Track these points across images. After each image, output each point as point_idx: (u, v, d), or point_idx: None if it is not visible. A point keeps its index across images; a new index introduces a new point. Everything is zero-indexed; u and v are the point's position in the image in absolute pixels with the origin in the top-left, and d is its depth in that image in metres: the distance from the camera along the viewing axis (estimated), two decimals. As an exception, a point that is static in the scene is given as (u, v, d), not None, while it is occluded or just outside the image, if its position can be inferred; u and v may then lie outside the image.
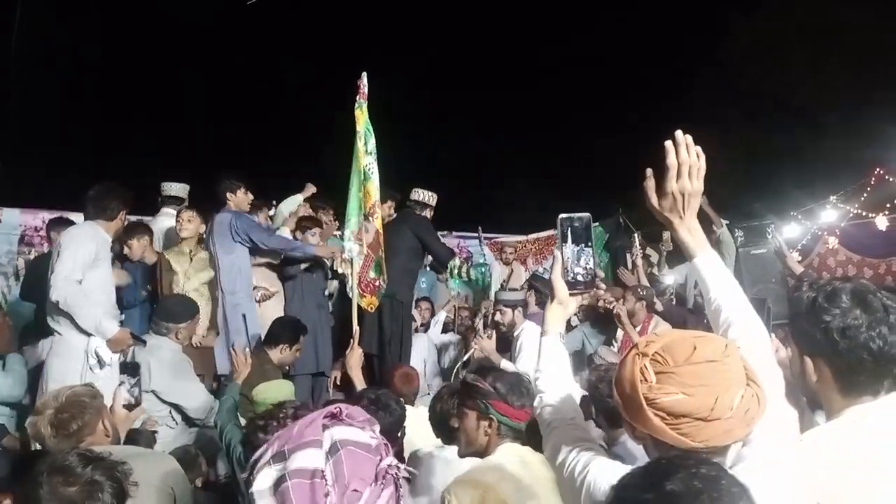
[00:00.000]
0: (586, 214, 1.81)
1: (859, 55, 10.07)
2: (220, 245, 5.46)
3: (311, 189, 6.64)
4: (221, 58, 10.86)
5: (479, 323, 6.00)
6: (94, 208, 4.56)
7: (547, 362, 1.83)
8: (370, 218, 5.02)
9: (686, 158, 1.69)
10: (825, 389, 1.72)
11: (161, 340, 4.41)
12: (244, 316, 5.44)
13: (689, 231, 1.73)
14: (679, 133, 1.70)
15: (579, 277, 1.81)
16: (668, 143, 1.70)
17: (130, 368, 3.17)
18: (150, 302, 5.24)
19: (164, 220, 6.04)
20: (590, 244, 1.83)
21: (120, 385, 3.15)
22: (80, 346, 4.28)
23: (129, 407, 3.11)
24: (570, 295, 1.85)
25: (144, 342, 4.42)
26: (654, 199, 1.74)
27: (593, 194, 10.27)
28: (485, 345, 4.95)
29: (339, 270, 5.61)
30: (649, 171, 1.75)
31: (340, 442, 1.22)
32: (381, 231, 5.10)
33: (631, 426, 1.46)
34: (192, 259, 5.30)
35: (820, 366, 1.71)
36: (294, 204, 6.49)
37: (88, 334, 4.29)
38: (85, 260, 4.30)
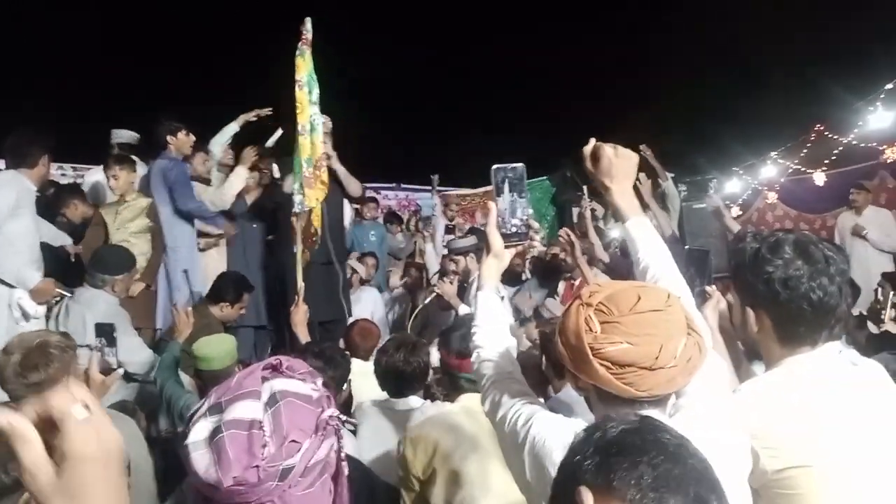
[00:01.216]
0: (520, 165, 1.79)
1: (801, 10, 10.19)
2: (157, 195, 5.29)
3: (245, 118, 6.14)
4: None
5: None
6: (13, 157, 4.36)
7: (483, 316, 1.81)
8: (318, 171, 4.85)
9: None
10: (765, 340, 1.75)
11: (96, 293, 4.25)
12: (185, 272, 5.30)
13: (623, 195, 1.80)
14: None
15: (514, 229, 1.80)
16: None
17: (106, 331, 3.01)
18: None
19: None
20: (524, 195, 1.81)
21: (95, 349, 3.00)
22: (2, 298, 4.12)
23: (105, 372, 2.98)
24: (506, 247, 1.83)
25: (72, 292, 4.27)
26: (589, 164, 1.83)
27: (540, 148, 10.28)
28: (446, 289, 4.98)
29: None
30: (592, 140, 1.84)
31: (280, 393, 1.18)
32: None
33: (574, 376, 1.45)
34: (118, 211, 5.11)
35: (761, 316, 1.73)
36: (225, 136, 6.13)
37: (11, 286, 4.12)
38: (2, 209, 4.10)
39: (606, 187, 1.80)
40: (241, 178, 5.65)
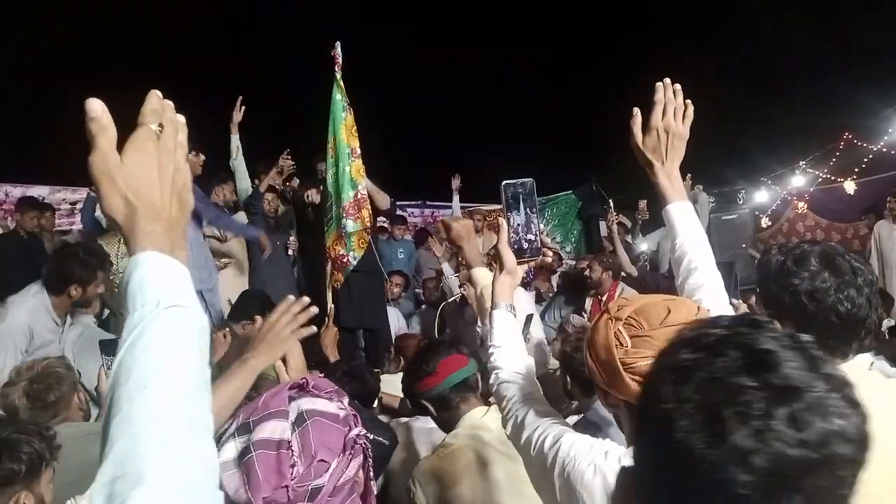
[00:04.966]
0: (529, 180, 1.78)
1: (827, 19, 10.09)
2: None
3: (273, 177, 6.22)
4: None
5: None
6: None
7: (499, 336, 1.76)
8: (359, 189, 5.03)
9: (672, 99, 1.71)
10: (795, 354, 1.72)
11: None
12: (200, 293, 5.28)
13: (670, 178, 1.73)
14: (667, 79, 1.73)
15: (527, 245, 1.78)
16: (658, 83, 1.72)
17: (111, 348, 3.03)
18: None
19: None
20: (534, 210, 1.80)
21: (104, 366, 3.01)
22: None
23: None
24: (518, 263, 1.80)
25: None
26: (638, 137, 1.74)
27: (564, 161, 10.25)
28: (472, 294, 4.96)
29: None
30: (636, 110, 1.75)
31: (307, 412, 1.19)
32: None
33: (604, 392, 1.40)
34: (121, 241, 5.12)
35: (788, 329, 1.70)
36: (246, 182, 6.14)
37: None
38: (16, 356, 3.69)
39: (652, 165, 1.73)
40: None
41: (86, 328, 4.09)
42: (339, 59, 5.03)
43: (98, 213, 5.52)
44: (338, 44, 5.04)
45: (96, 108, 0.85)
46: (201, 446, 0.76)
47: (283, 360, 1.86)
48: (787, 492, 0.73)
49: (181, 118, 0.95)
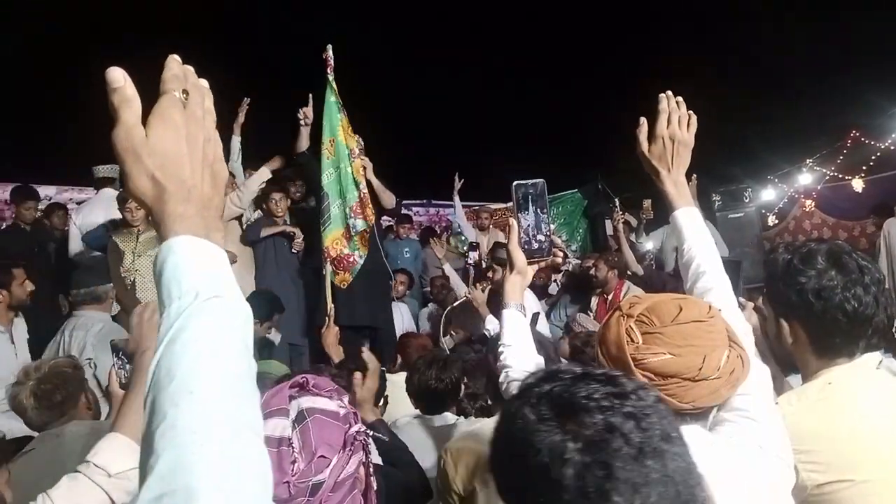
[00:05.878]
0: (540, 180, 1.78)
1: (828, 20, 10.07)
2: None
3: (277, 162, 6.06)
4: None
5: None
6: None
7: (510, 335, 1.79)
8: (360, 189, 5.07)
9: (676, 108, 1.73)
10: (800, 351, 1.72)
11: (91, 314, 4.20)
12: None
13: (676, 184, 1.75)
14: (669, 91, 1.76)
15: (537, 245, 1.79)
16: (661, 94, 1.75)
17: (121, 348, 3.04)
18: None
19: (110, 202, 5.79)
20: (545, 210, 1.80)
21: (114, 366, 3.02)
22: None
23: (125, 387, 2.99)
24: (529, 263, 1.81)
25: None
26: (644, 145, 1.76)
27: (570, 160, 10.23)
28: (477, 296, 4.95)
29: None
30: (643, 119, 1.77)
31: (307, 410, 1.21)
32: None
33: None
34: (138, 238, 5.13)
35: (795, 328, 1.70)
36: (262, 179, 5.97)
37: None
38: None
39: (658, 172, 1.75)
40: (263, 176, 5.79)
41: (106, 323, 4.23)
42: (331, 62, 5.09)
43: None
44: (329, 46, 5.10)
45: (118, 77, 0.78)
46: (254, 454, 0.69)
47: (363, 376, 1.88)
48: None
49: (204, 83, 0.86)
